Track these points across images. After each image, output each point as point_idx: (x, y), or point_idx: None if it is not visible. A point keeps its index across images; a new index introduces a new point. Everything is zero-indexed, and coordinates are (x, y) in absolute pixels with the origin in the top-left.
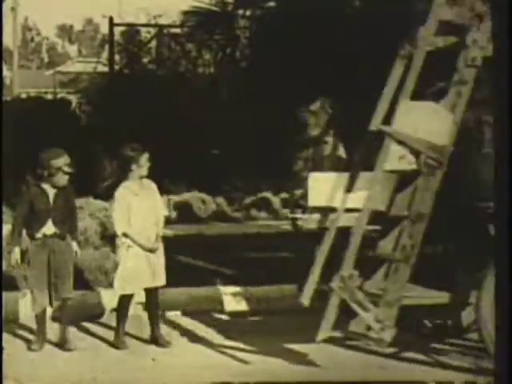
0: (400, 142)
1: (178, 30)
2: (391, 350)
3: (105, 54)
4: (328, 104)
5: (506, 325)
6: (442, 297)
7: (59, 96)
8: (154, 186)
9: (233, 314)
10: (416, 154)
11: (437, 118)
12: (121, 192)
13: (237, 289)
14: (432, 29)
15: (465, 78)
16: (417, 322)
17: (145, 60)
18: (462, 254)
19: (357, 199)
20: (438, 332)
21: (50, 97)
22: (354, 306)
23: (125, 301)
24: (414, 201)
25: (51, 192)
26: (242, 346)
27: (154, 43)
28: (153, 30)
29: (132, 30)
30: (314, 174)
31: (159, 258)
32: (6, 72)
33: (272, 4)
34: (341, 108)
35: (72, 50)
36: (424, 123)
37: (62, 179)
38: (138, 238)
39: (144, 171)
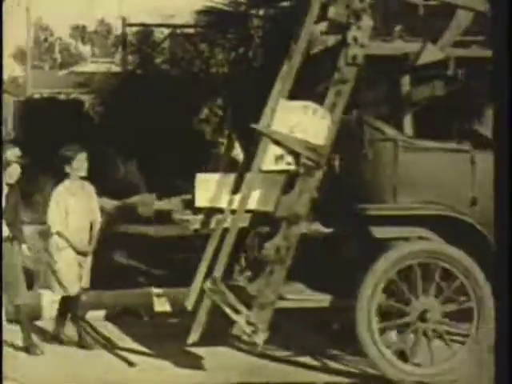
0: (277, 142)
1: (191, 30)
2: (287, 353)
3: (118, 55)
4: (218, 107)
5: (506, 325)
6: (323, 300)
7: (72, 96)
8: (92, 188)
9: (160, 315)
10: (294, 154)
11: (315, 117)
12: (58, 191)
13: (166, 290)
14: (310, 27)
15: (345, 76)
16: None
17: (158, 60)
18: (343, 256)
19: (250, 200)
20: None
21: (63, 97)
22: (226, 309)
23: (62, 302)
24: (290, 202)
25: (5, 190)
26: (139, 348)
27: (167, 43)
28: (166, 31)
29: (145, 30)
30: (200, 175)
31: (88, 261)
32: (19, 72)
33: (285, 4)
34: (234, 109)
35: (85, 50)
36: (302, 123)
37: (14, 174)
38: (72, 239)
39: (82, 171)
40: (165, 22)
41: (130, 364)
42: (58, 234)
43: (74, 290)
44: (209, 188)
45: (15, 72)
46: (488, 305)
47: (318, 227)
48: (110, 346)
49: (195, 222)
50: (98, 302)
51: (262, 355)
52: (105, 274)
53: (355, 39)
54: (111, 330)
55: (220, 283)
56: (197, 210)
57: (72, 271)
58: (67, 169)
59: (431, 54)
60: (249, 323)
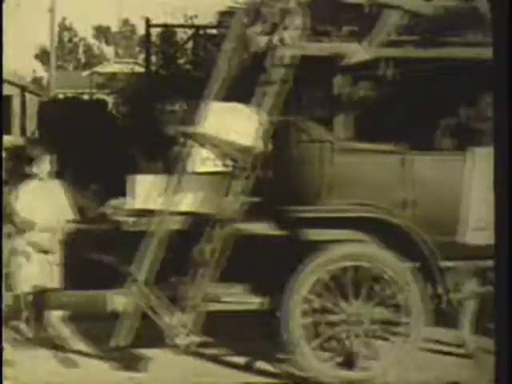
0: (205, 144)
1: (214, 31)
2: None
3: (141, 55)
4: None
5: (506, 325)
6: (257, 303)
7: (96, 97)
8: (60, 188)
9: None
10: (223, 156)
11: (243, 119)
12: (24, 190)
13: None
14: (237, 29)
15: (272, 77)
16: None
17: (181, 61)
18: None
19: (182, 201)
20: None
21: (86, 97)
22: (149, 312)
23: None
24: (218, 203)
25: None
26: (87, 350)
27: (190, 44)
28: (189, 31)
29: (168, 30)
30: (135, 176)
31: (56, 260)
32: (43, 73)
33: None
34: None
35: (108, 50)
36: (230, 125)
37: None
38: (37, 238)
39: (44, 173)
40: (188, 22)
41: (73, 365)
42: (22, 232)
43: (40, 287)
44: (144, 189)
45: (39, 72)
46: (417, 306)
47: (250, 228)
48: (60, 347)
49: (127, 223)
50: (58, 303)
51: (204, 357)
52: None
53: (282, 40)
54: (65, 331)
55: (144, 287)
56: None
57: (39, 270)
58: (34, 169)
59: (358, 54)
60: (180, 326)
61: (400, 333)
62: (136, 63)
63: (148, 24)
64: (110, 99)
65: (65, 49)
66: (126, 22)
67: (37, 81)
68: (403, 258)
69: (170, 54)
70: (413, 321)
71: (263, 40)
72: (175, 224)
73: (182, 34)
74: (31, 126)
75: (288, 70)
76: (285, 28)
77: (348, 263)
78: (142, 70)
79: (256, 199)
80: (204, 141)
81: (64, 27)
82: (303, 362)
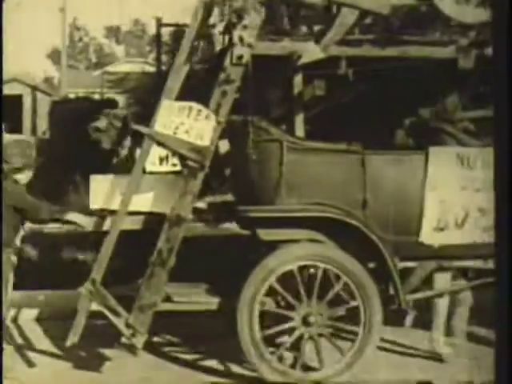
0: (160, 144)
1: None
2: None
3: (152, 55)
4: (116, 117)
5: (506, 325)
6: (211, 303)
7: (106, 96)
8: None
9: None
10: (179, 155)
11: (199, 118)
12: None
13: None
14: (193, 29)
15: (231, 76)
16: None
17: (206, 60)
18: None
19: (140, 201)
20: None
21: (97, 97)
22: (105, 311)
23: None
24: (173, 203)
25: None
26: (51, 350)
27: (200, 43)
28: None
29: (179, 30)
30: (94, 176)
31: None
32: (54, 72)
33: None
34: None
35: (119, 50)
36: (185, 124)
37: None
38: None
39: None
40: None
41: (31, 365)
42: None
43: None
44: (103, 189)
45: (50, 72)
46: (375, 306)
47: (208, 228)
48: (26, 347)
49: (88, 223)
50: (30, 302)
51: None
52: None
53: (241, 39)
54: (35, 331)
55: (99, 286)
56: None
57: None
58: None
59: (312, 53)
60: (128, 326)
61: (357, 333)
62: (146, 63)
63: (159, 23)
64: (120, 98)
65: (76, 48)
66: (136, 21)
67: (48, 80)
68: (360, 258)
69: (196, 52)
70: (370, 321)
71: (221, 39)
72: (132, 224)
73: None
74: (42, 125)
75: (246, 68)
76: (244, 27)
77: (304, 263)
78: (152, 69)
79: (213, 199)
80: (160, 140)
81: (75, 26)
82: (260, 364)
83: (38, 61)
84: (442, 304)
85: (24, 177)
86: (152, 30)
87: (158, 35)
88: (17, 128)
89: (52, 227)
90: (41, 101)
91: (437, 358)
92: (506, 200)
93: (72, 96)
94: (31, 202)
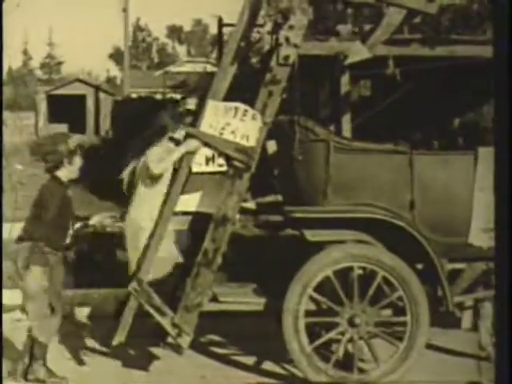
0: (207, 144)
1: None
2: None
3: (214, 54)
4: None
5: (506, 325)
6: (258, 304)
7: (168, 96)
8: None
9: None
10: (225, 155)
11: (245, 119)
12: None
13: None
14: (239, 32)
15: (277, 77)
16: None
17: (254, 60)
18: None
19: (185, 201)
20: None
21: (159, 97)
22: (151, 311)
23: None
24: (219, 203)
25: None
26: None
27: (262, 43)
28: (262, 30)
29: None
30: None
31: None
32: (116, 72)
33: None
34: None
35: (181, 50)
36: (231, 124)
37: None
38: None
39: None
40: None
41: (80, 362)
42: None
43: None
44: None
45: (112, 72)
46: (423, 309)
47: (253, 228)
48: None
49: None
50: (84, 300)
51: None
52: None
53: (287, 39)
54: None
55: (145, 285)
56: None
57: None
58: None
59: (359, 53)
60: (174, 325)
61: (404, 335)
62: (208, 62)
63: (220, 23)
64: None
65: (138, 48)
66: (198, 21)
67: (110, 80)
68: (408, 260)
69: (243, 53)
70: (417, 323)
71: (265, 45)
72: (178, 224)
73: (254, 34)
74: (105, 124)
75: (293, 68)
76: (290, 27)
77: (351, 264)
78: (214, 69)
79: (261, 199)
80: (206, 140)
81: (138, 27)
82: (305, 365)
83: (101, 61)
84: (486, 305)
85: (65, 173)
86: (214, 29)
87: (220, 35)
88: (80, 128)
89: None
90: (104, 101)
91: (484, 358)
92: (506, 200)
93: (134, 96)
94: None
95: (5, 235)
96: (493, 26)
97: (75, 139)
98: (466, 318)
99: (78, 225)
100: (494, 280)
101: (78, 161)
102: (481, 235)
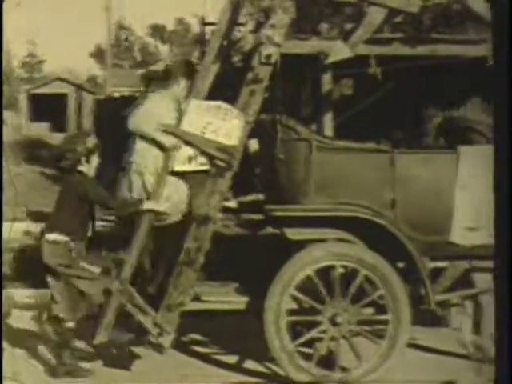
0: (188, 143)
1: None
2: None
3: (196, 53)
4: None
5: (506, 326)
6: (240, 303)
7: None
8: None
9: None
10: (207, 154)
11: (227, 118)
12: None
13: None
14: (221, 30)
15: (259, 76)
16: None
17: (235, 59)
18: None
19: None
20: None
21: None
22: (133, 310)
23: None
24: (200, 203)
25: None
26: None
27: (243, 42)
28: (243, 29)
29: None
30: None
31: None
32: (98, 71)
33: None
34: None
35: (164, 49)
36: (213, 123)
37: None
38: None
39: None
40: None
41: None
42: None
43: None
44: None
45: (94, 71)
46: (404, 307)
47: (235, 227)
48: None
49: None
50: None
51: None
52: None
53: (269, 38)
54: None
55: (128, 284)
56: None
57: None
58: None
59: (340, 52)
60: (155, 325)
61: (386, 334)
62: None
63: (202, 22)
64: None
65: (121, 47)
66: (181, 20)
67: (92, 79)
68: (389, 258)
69: (225, 51)
70: (399, 322)
71: (246, 44)
72: (160, 223)
73: (236, 32)
74: (86, 124)
75: (275, 67)
76: (272, 26)
77: (333, 263)
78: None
79: (243, 198)
80: (188, 139)
81: (121, 26)
82: (286, 360)
83: (83, 60)
84: (469, 304)
85: (87, 168)
86: (196, 28)
87: (202, 34)
88: (62, 127)
89: None
90: (85, 99)
91: (463, 356)
92: (506, 200)
93: (116, 95)
94: (102, 194)
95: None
96: (493, 26)
97: (93, 138)
98: (454, 317)
99: None
100: (474, 278)
101: (95, 159)
102: (463, 233)
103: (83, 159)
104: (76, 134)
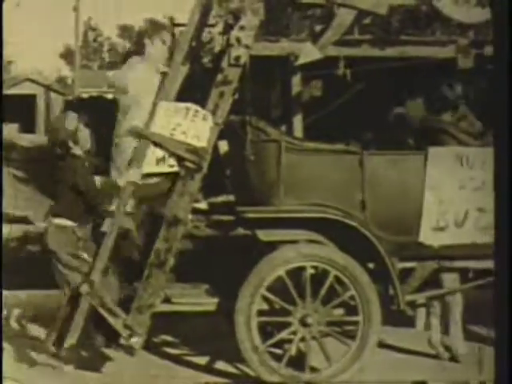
0: (157, 144)
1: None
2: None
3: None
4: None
5: (507, 325)
6: (210, 304)
7: None
8: None
9: None
10: (176, 156)
11: (196, 119)
12: None
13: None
14: (189, 32)
15: (229, 77)
16: None
17: (205, 60)
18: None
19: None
20: None
21: (110, 96)
22: (103, 312)
23: None
24: (170, 204)
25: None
26: None
27: (213, 43)
28: (213, 30)
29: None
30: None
31: None
32: (67, 72)
33: None
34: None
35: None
36: (182, 125)
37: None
38: None
39: None
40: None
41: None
42: None
43: None
44: None
45: (63, 71)
46: (374, 308)
47: (206, 229)
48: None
49: None
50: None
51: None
52: None
53: (238, 39)
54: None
55: (97, 286)
56: None
57: None
58: None
59: (310, 53)
60: (126, 327)
61: (357, 335)
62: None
63: (172, 23)
64: None
65: (89, 48)
66: (149, 21)
67: (61, 80)
68: (359, 259)
69: (194, 53)
70: (370, 322)
71: (215, 45)
72: (129, 224)
73: (206, 33)
74: None
75: (244, 69)
76: (241, 28)
77: (303, 264)
78: (166, 69)
79: (213, 199)
80: (156, 140)
81: (90, 26)
82: (257, 361)
83: (52, 60)
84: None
85: (77, 151)
86: None
87: (172, 35)
88: (31, 128)
89: None
90: (54, 100)
91: (433, 356)
92: (506, 200)
93: (85, 96)
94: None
95: None
96: (493, 26)
97: (72, 119)
98: (420, 318)
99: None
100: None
101: (82, 135)
102: (431, 234)
103: (70, 142)
104: (54, 122)
